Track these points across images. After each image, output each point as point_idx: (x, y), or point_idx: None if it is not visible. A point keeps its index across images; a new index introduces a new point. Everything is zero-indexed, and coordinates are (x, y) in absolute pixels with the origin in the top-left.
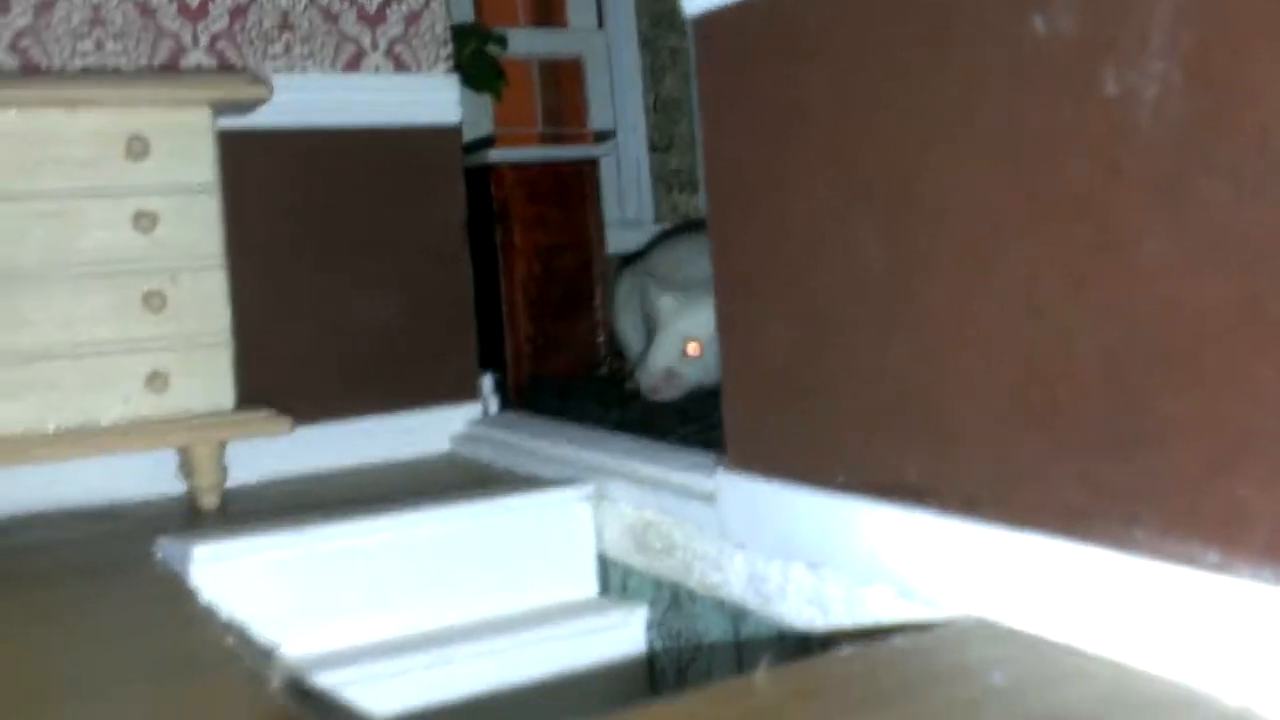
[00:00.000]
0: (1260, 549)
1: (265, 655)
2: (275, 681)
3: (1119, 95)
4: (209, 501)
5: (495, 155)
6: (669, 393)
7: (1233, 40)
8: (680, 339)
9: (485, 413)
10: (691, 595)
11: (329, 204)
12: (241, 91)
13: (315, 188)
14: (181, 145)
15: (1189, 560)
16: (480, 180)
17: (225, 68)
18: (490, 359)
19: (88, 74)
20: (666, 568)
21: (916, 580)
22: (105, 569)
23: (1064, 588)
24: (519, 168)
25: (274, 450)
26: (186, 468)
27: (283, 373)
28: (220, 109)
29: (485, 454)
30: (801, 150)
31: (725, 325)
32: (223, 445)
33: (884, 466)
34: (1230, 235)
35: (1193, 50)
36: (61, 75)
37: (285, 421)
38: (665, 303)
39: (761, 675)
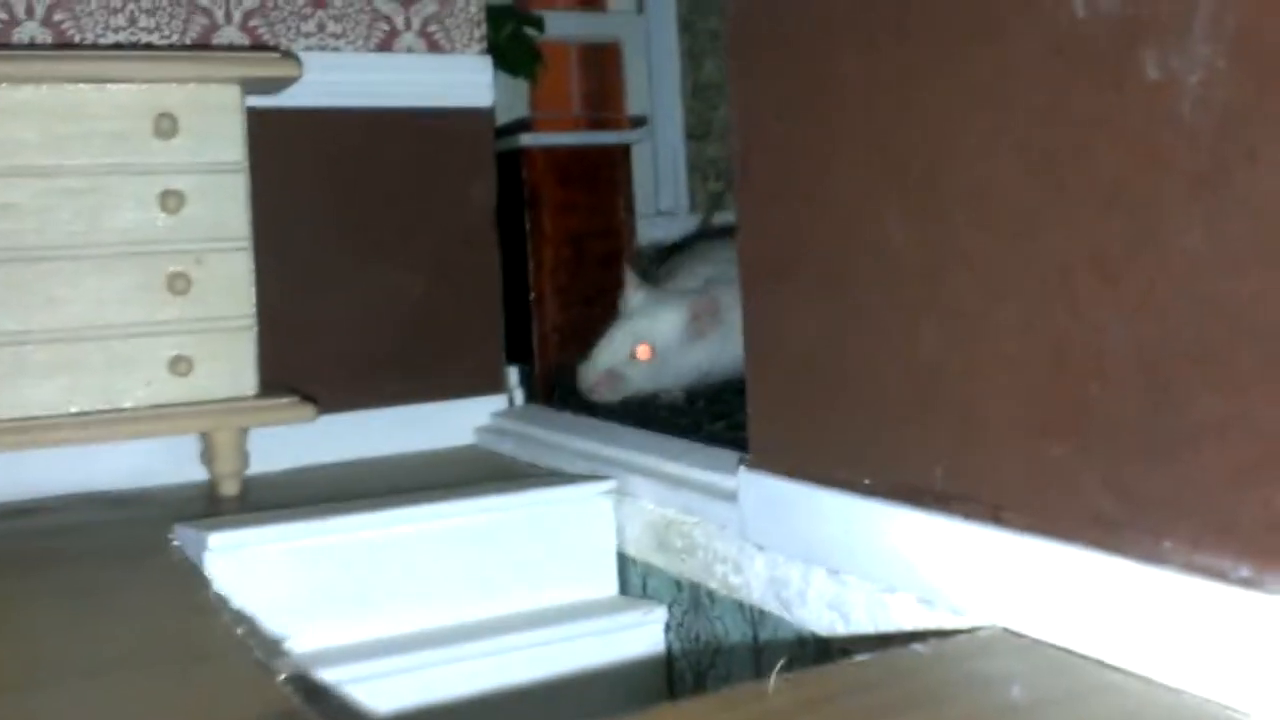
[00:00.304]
0: None
1: (274, 647)
2: (282, 674)
3: (1160, 81)
4: (230, 488)
5: (527, 139)
6: (609, 395)
7: None
8: (632, 338)
9: (510, 405)
10: (712, 597)
11: (358, 186)
12: (271, 70)
13: (344, 169)
14: (210, 124)
15: (1219, 575)
16: (512, 165)
17: (257, 46)
18: (517, 348)
19: (118, 50)
20: (687, 568)
21: (940, 588)
22: (122, 554)
23: (1091, 599)
24: (551, 152)
25: (297, 438)
26: (208, 454)
27: (307, 360)
28: (250, 87)
29: (509, 447)
30: (831, 133)
31: (750, 317)
32: (245, 432)
33: (910, 469)
34: (1273, 230)
35: (1239, 34)
36: (91, 50)
37: (309, 409)
38: (633, 297)
39: (775, 681)
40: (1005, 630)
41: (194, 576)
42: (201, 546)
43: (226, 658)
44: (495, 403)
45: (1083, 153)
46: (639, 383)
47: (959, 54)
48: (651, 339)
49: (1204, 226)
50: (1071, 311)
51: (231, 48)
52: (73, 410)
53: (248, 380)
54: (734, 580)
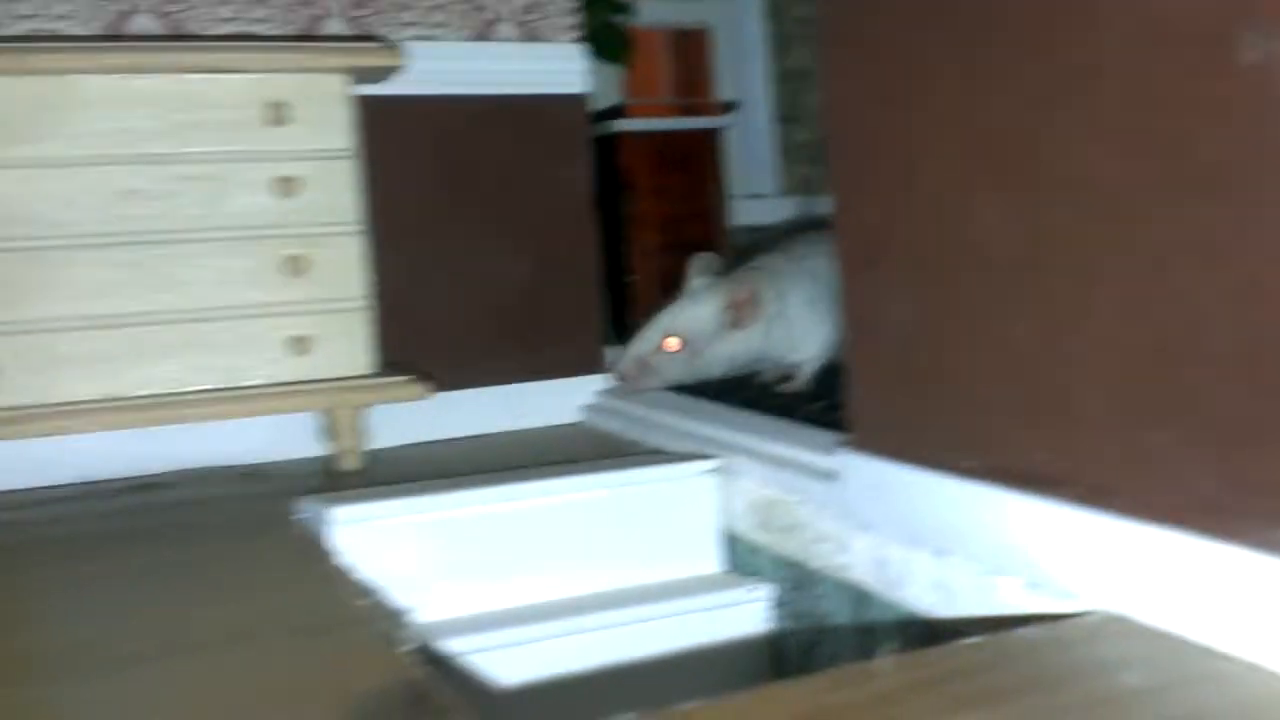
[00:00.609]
0: None
1: (396, 618)
2: (405, 645)
3: (1259, 63)
4: (349, 464)
5: (622, 125)
6: (639, 385)
7: None
8: (662, 330)
9: (612, 384)
10: (815, 576)
11: (462, 172)
12: (377, 59)
13: (449, 156)
14: (320, 112)
15: None
16: (608, 150)
17: (362, 36)
18: (618, 330)
19: (231, 40)
20: (790, 547)
21: (1048, 572)
22: (248, 527)
23: (1200, 585)
24: (644, 137)
25: (413, 416)
26: (328, 430)
27: (420, 340)
28: (357, 77)
29: (614, 425)
30: (923, 119)
31: (848, 301)
32: (362, 409)
33: (1011, 452)
34: None
35: None
36: (206, 42)
37: (423, 387)
38: (690, 285)
39: (883, 662)
40: (1114, 615)
41: (317, 549)
42: (325, 520)
43: (351, 629)
44: (600, 382)
45: (1181, 137)
46: (671, 373)
47: (1052, 38)
48: (682, 330)
49: None
50: (1172, 297)
51: (337, 38)
52: (197, 388)
53: (364, 359)
54: (837, 560)
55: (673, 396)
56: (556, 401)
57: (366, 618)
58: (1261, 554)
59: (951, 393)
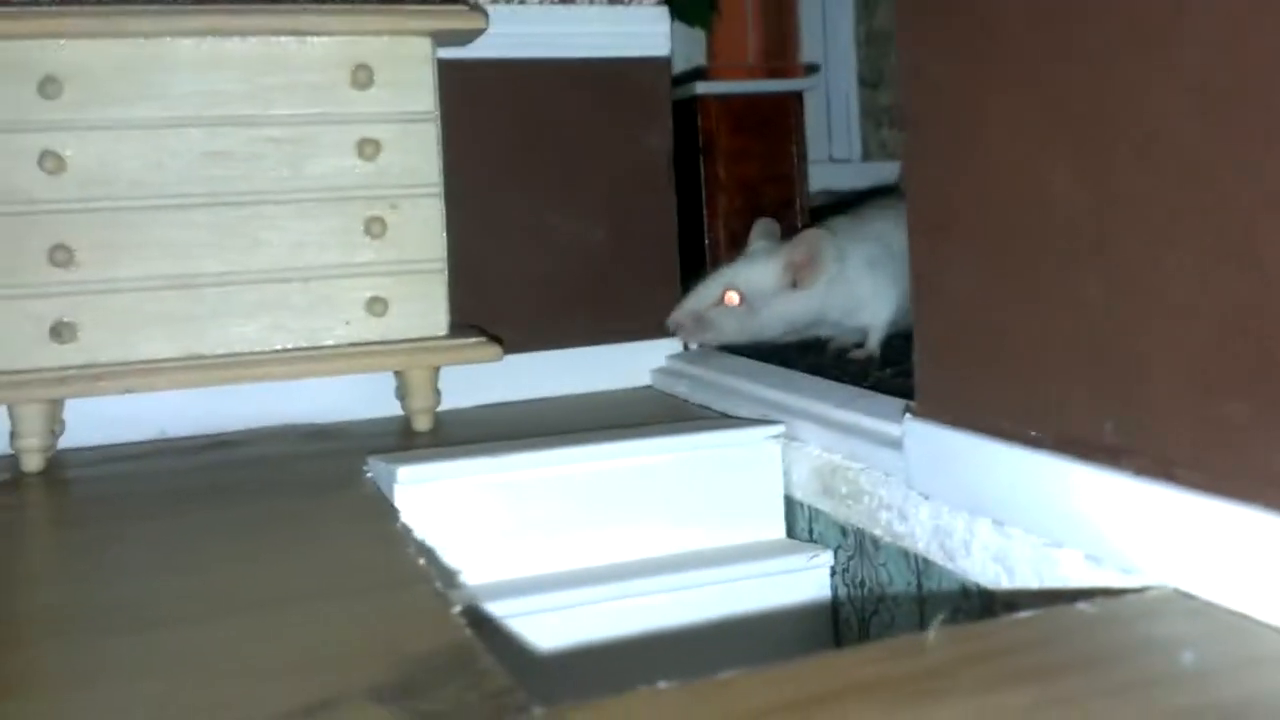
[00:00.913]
0: None
1: (451, 579)
2: (457, 606)
3: None
4: (422, 424)
5: (702, 88)
6: (692, 338)
7: None
8: (723, 284)
9: (685, 348)
10: (876, 543)
11: (541, 135)
12: (460, 23)
13: (529, 119)
14: (403, 75)
15: None
16: (688, 113)
17: None
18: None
19: (318, 3)
20: (852, 513)
21: (1110, 545)
22: (318, 485)
23: (1268, 563)
24: (725, 100)
25: (485, 377)
26: (402, 390)
27: (494, 302)
28: (440, 39)
29: (683, 389)
30: (992, 76)
31: (916, 266)
32: (436, 371)
33: (1078, 422)
34: None
35: None
36: (291, 4)
37: (496, 349)
38: (751, 245)
39: (934, 634)
40: (1176, 591)
41: (384, 508)
42: (391, 479)
43: (404, 590)
44: (671, 346)
45: (1265, 92)
46: (727, 330)
47: None
48: (742, 286)
49: None
50: (1251, 264)
51: (422, 0)
52: (276, 347)
53: (439, 321)
54: (899, 528)
55: (743, 361)
56: (628, 365)
57: (421, 578)
58: None
59: (1016, 359)
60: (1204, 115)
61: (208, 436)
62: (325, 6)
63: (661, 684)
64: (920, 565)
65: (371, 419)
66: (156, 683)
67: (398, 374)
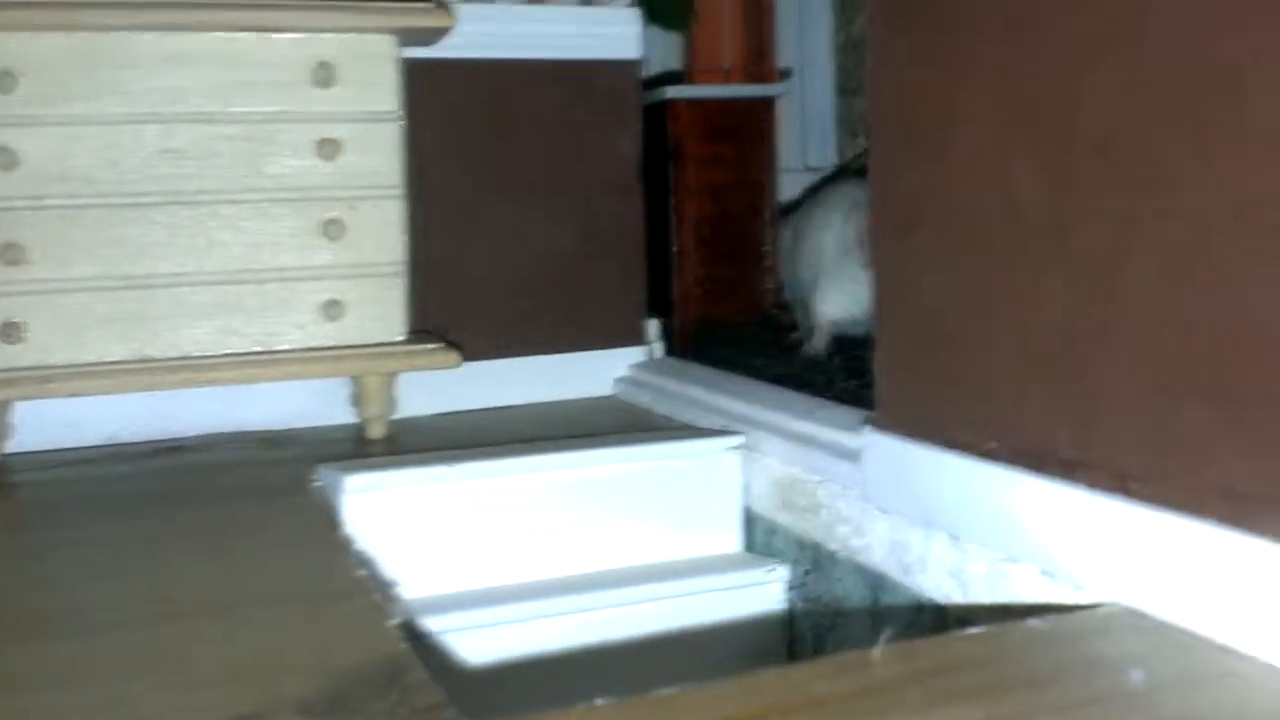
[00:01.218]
0: None
1: (389, 592)
2: (393, 619)
3: None
4: (376, 431)
5: (672, 92)
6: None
7: None
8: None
9: (649, 357)
10: (833, 558)
11: (507, 138)
12: (426, 20)
13: (495, 121)
14: (366, 73)
15: None
16: (658, 118)
17: None
18: (658, 301)
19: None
20: (810, 527)
21: (1063, 560)
22: (265, 493)
23: (1218, 579)
24: (696, 105)
25: (444, 384)
26: (357, 397)
27: (455, 308)
28: (405, 38)
29: (646, 399)
30: (959, 78)
31: (880, 271)
32: (393, 377)
33: (1035, 433)
34: None
35: None
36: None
37: (454, 355)
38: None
39: (882, 650)
40: (1127, 608)
41: (330, 517)
42: (339, 488)
43: (344, 600)
44: (635, 354)
45: (1230, 98)
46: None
47: None
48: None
49: None
50: (1212, 271)
51: None
52: (228, 351)
53: (397, 326)
54: (855, 542)
55: (706, 370)
56: (593, 373)
57: (359, 590)
58: None
59: (976, 370)
60: (1168, 121)
61: (159, 442)
62: (287, 2)
63: (599, 701)
64: (876, 580)
65: (327, 425)
66: (88, 692)
67: (353, 380)
